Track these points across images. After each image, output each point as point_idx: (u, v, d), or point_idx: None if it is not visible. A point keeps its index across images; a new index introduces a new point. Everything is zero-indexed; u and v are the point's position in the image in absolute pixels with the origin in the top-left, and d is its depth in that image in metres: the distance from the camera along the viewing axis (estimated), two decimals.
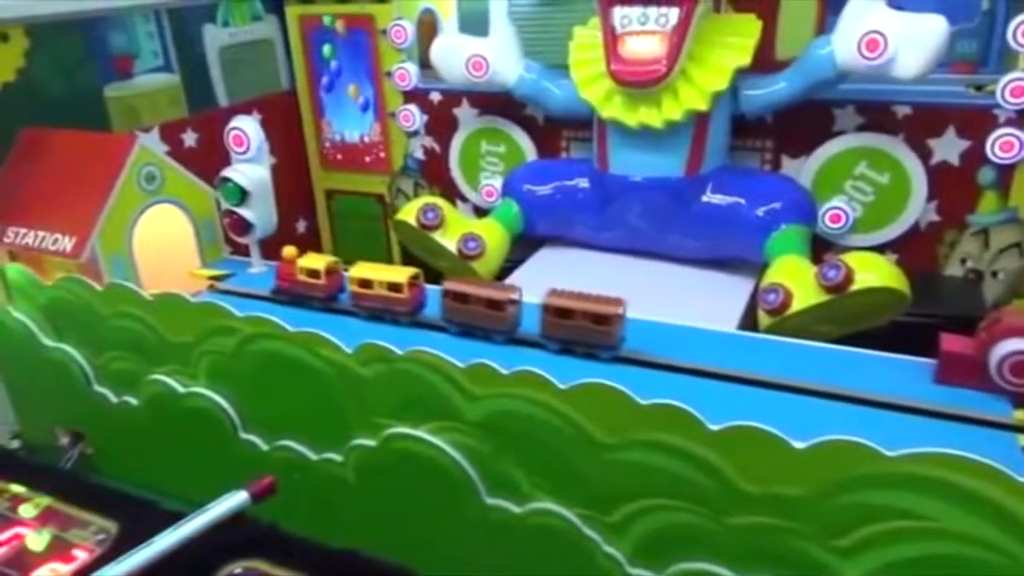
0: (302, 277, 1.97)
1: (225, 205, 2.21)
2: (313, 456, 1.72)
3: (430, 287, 1.89)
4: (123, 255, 2.07)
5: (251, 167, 2.20)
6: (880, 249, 2.30)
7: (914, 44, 1.98)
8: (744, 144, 2.50)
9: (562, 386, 1.36)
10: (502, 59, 2.53)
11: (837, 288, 1.84)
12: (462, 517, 1.54)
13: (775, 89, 2.25)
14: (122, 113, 2.63)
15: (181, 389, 1.84)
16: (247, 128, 2.18)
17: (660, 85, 2.14)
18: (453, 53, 2.58)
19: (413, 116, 2.98)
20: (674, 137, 2.26)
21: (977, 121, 2.20)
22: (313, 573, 1.06)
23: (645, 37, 2.14)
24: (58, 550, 1.13)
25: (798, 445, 1.19)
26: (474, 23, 2.70)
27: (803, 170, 2.41)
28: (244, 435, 1.81)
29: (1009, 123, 2.14)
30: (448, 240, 2.47)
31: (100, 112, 2.57)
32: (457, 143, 2.98)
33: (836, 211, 2.36)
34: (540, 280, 1.78)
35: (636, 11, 2.13)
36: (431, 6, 2.90)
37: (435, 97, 2.98)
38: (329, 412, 1.66)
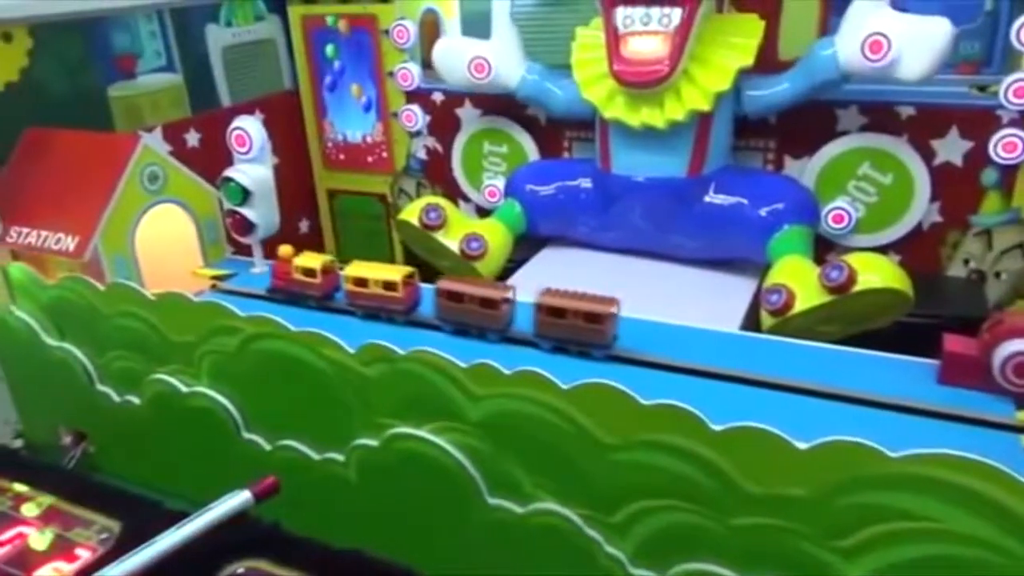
0: (298, 276, 1.98)
1: (227, 205, 2.22)
2: (315, 456, 1.72)
3: (424, 286, 1.88)
4: (126, 255, 2.07)
5: (253, 167, 2.20)
6: (883, 250, 2.30)
7: (918, 46, 1.97)
8: (747, 144, 2.50)
9: (565, 386, 1.35)
10: (504, 61, 2.53)
11: (840, 289, 1.84)
12: (464, 517, 1.54)
13: (778, 90, 2.25)
14: (125, 113, 2.63)
15: (184, 389, 1.84)
16: (250, 128, 2.19)
17: (663, 85, 2.14)
18: (455, 55, 2.58)
19: (415, 116, 2.98)
20: (677, 137, 2.25)
21: (980, 122, 2.19)
22: (316, 573, 1.06)
23: (647, 37, 2.14)
24: (61, 549, 1.13)
25: (801, 446, 1.19)
26: (476, 24, 2.70)
27: (806, 170, 2.41)
28: (246, 435, 1.81)
29: (1012, 124, 2.14)
30: (450, 240, 2.47)
31: (103, 112, 2.57)
32: (459, 143, 2.97)
33: (839, 212, 2.35)
34: (542, 280, 1.78)
35: (638, 11, 2.13)
36: (433, 6, 2.90)
37: (437, 97, 2.98)
38: (331, 412, 1.66)
